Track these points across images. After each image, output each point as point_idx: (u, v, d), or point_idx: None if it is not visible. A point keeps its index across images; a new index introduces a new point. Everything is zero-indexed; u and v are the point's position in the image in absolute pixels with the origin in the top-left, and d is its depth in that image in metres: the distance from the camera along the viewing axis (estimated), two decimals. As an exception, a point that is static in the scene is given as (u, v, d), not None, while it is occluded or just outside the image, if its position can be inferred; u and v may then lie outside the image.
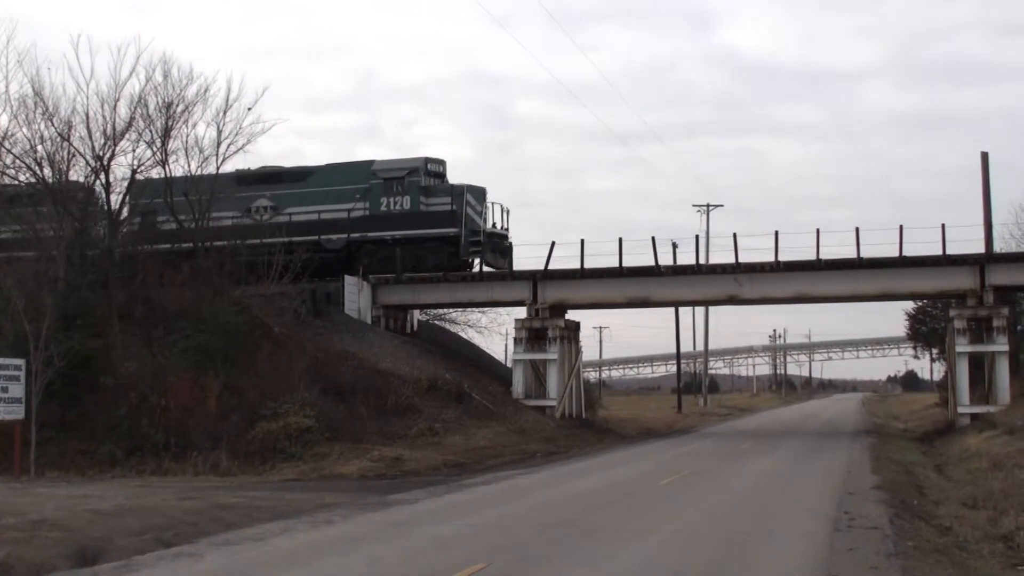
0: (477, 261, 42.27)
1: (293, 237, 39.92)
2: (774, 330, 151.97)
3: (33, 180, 35.30)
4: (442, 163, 42.43)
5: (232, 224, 40.63)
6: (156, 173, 37.80)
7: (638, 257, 41.44)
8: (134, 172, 36.15)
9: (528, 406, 40.20)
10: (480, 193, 41.82)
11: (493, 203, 42.31)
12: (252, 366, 31.24)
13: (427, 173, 41.58)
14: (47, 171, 35.03)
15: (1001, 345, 37.56)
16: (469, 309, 51.71)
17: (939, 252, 38.06)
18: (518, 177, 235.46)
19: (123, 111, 35.18)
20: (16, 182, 36.07)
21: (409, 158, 42.46)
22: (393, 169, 41.73)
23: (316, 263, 39.58)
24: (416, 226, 41.34)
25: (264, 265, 36.81)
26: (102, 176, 35.21)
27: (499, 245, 42.14)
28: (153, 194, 37.92)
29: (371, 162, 42.41)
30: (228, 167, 39.88)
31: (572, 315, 44.37)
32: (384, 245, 41.61)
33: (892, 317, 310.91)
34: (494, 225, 41.92)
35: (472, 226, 40.86)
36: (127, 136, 35.56)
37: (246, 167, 42.80)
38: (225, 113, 38.00)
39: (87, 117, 34.71)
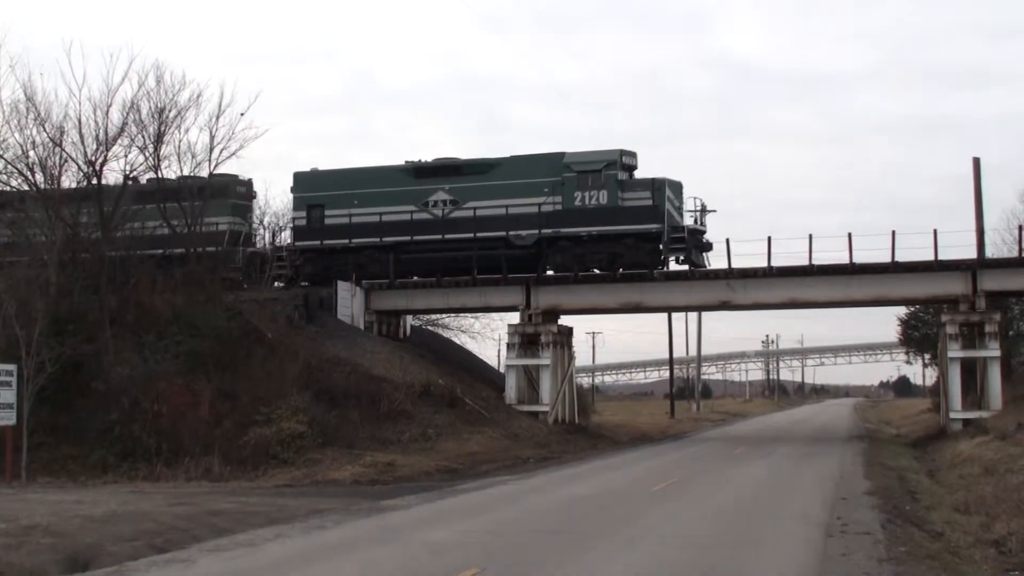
0: (666, 258, 39.93)
1: (477, 233, 39.39)
2: (767, 335, 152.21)
3: (25, 185, 35.25)
4: (635, 155, 40.12)
5: (411, 219, 40.28)
6: (148, 178, 37.74)
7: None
8: (126, 177, 36.12)
9: (521, 411, 40.13)
10: (677, 187, 39.60)
11: (694, 198, 40.16)
12: (245, 371, 31.20)
13: (622, 166, 39.44)
14: (39, 176, 35.01)
15: (993, 351, 37.63)
16: (462, 314, 51.69)
17: (931, 257, 38.09)
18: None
19: (116, 116, 35.25)
20: (8, 187, 36.01)
21: (604, 150, 39.82)
22: (588, 162, 39.34)
23: (502, 260, 39.32)
24: (613, 222, 38.91)
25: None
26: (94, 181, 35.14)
27: (699, 242, 39.77)
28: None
29: (562, 154, 40.07)
30: (221, 171, 39.79)
31: (565, 320, 44.36)
32: (578, 242, 39.44)
33: (884, 322, 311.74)
34: (695, 221, 39.52)
35: (672, 222, 38.71)
36: (119, 141, 35.65)
37: (418, 159, 42.10)
38: (218, 118, 38.04)
39: (79, 122, 34.80)
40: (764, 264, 39.42)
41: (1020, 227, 41.41)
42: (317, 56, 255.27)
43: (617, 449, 38.98)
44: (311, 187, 42.18)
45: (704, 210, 39.60)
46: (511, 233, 39.71)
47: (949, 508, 19.16)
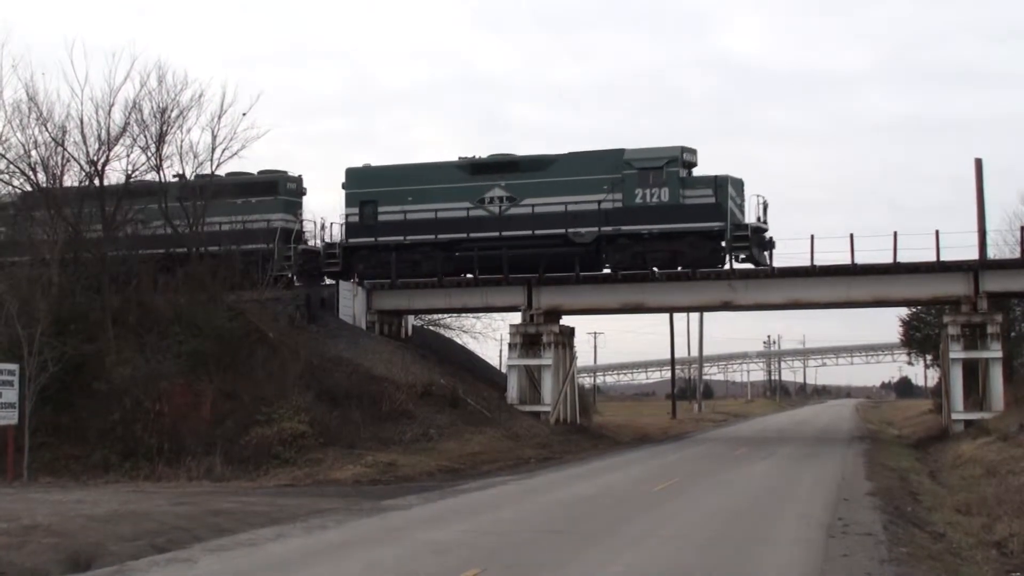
0: (730, 256, 39.23)
1: (535, 230, 39.16)
2: (768, 336, 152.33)
3: (28, 185, 35.28)
4: (695, 152, 39.53)
5: (467, 215, 40.08)
6: (150, 178, 37.76)
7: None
8: (128, 177, 36.14)
9: (522, 412, 40.13)
10: (739, 184, 39.21)
11: (757, 196, 39.63)
12: (246, 371, 31.21)
13: (683, 163, 38.93)
14: (41, 176, 35.02)
15: (995, 352, 37.59)
16: (464, 314, 51.68)
17: (933, 258, 38.05)
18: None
19: (118, 116, 35.25)
20: (10, 187, 36.06)
21: (665, 146, 39.40)
22: (649, 158, 38.85)
23: (560, 258, 39.10)
24: (675, 220, 38.37)
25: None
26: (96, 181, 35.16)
27: (762, 240, 39.08)
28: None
29: (621, 151, 39.49)
30: (222, 171, 39.78)
31: (567, 321, 44.38)
32: (638, 240, 38.98)
33: (886, 323, 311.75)
34: (758, 219, 38.83)
35: (734, 219, 38.18)
36: (121, 141, 35.61)
37: (472, 155, 41.55)
38: (220, 118, 38.04)
39: (81, 122, 34.79)
40: (766, 264, 39.39)
41: (1022, 228, 41.47)
42: (318, 56, 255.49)
43: (618, 449, 38.96)
44: (364, 183, 41.87)
45: (766, 207, 39.13)
46: (570, 230, 39.30)
47: (951, 509, 19.15)
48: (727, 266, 39.28)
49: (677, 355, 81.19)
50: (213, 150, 38.19)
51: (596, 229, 39.12)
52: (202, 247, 37.02)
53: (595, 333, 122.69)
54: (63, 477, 26.02)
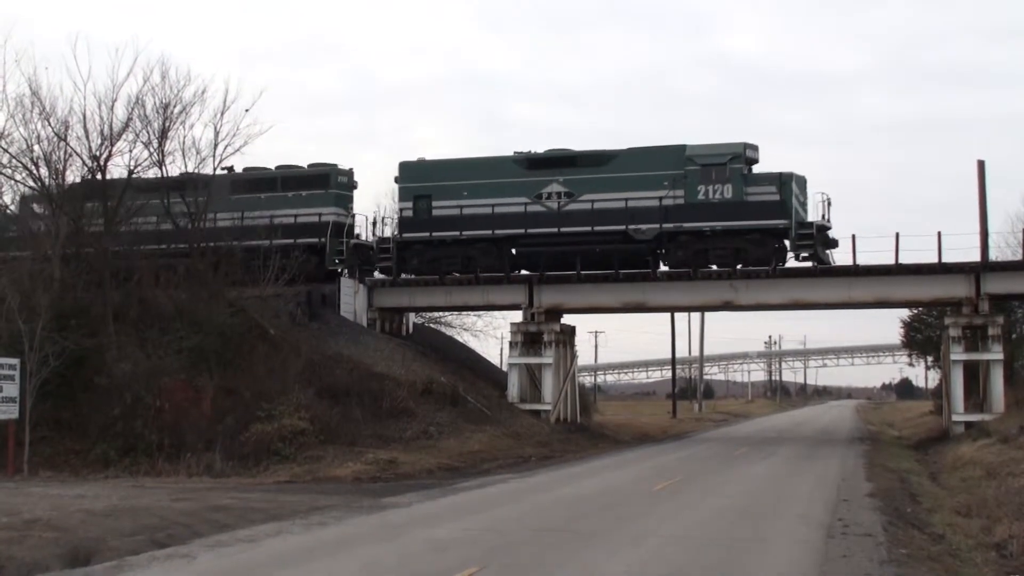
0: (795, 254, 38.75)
1: (595, 226, 38.88)
2: (769, 336, 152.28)
3: (30, 179, 35.29)
4: (757, 148, 38.95)
5: (524, 211, 39.75)
6: (152, 174, 37.78)
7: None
8: (131, 172, 36.14)
9: (523, 410, 40.14)
10: (802, 182, 38.84)
11: (821, 193, 39.48)
12: (247, 368, 31.19)
13: (745, 159, 38.41)
14: (44, 171, 35.01)
15: (996, 354, 37.58)
16: (465, 312, 51.67)
17: (935, 260, 38.06)
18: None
19: (120, 112, 35.20)
20: (13, 181, 36.06)
21: (728, 143, 38.88)
22: (712, 155, 38.39)
23: (620, 254, 38.88)
24: (738, 217, 37.90)
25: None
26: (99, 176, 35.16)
27: (826, 239, 38.48)
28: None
29: (683, 146, 39.07)
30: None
31: (568, 319, 44.40)
32: (700, 237, 38.56)
33: (887, 324, 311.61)
34: (823, 217, 38.31)
35: (798, 217, 37.77)
36: (124, 137, 35.57)
37: (527, 150, 41.17)
38: (222, 114, 38.00)
39: (84, 117, 34.75)
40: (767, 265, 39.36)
41: (1024, 230, 41.41)
42: (321, 53, 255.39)
43: (619, 448, 38.96)
44: (418, 177, 41.52)
45: (829, 204, 38.61)
46: (631, 227, 38.83)
47: (950, 511, 19.15)
48: (788, 263, 38.77)
49: (678, 355, 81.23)
50: (215, 146, 38.19)
51: (657, 226, 38.67)
52: (240, 242, 36.93)
53: (596, 332, 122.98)
54: (63, 472, 26.01)
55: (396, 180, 42.22)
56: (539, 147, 43.57)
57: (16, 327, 26.58)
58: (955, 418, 38.14)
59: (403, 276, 42.10)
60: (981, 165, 44.53)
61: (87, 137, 34.86)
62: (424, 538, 15.04)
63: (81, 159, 35.21)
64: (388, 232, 42.23)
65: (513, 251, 40.78)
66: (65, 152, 34.97)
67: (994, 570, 13.46)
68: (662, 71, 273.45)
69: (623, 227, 38.93)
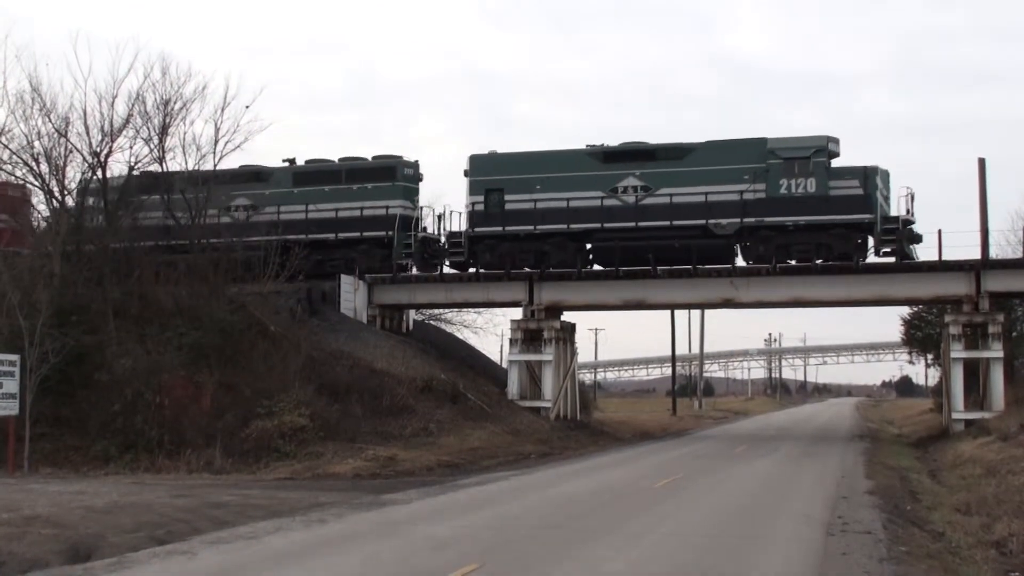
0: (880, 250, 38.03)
1: (673, 220, 38.33)
2: (769, 334, 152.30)
3: (30, 176, 35.28)
4: (838, 142, 38.23)
5: (601, 205, 39.19)
6: (153, 170, 37.78)
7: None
8: (131, 169, 36.16)
9: (523, 407, 40.13)
10: (885, 175, 37.91)
11: (906, 188, 38.68)
12: (247, 364, 31.19)
13: (828, 153, 37.75)
14: (44, 167, 35.00)
15: (996, 351, 37.57)
16: (465, 309, 51.65)
17: (935, 257, 38.03)
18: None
19: (121, 108, 35.21)
20: (13, 177, 36.05)
21: (811, 136, 38.23)
22: (795, 148, 37.68)
23: (699, 249, 38.30)
24: (821, 211, 37.25)
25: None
26: (99, 172, 35.18)
27: (911, 233, 37.85)
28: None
29: (764, 140, 38.32)
30: (224, 165, 39.79)
31: (568, 316, 44.37)
32: (782, 232, 37.87)
33: (887, 322, 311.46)
34: (907, 211, 37.52)
35: (882, 212, 37.06)
36: (124, 133, 35.57)
37: (601, 143, 40.52)
38: (223, 111, 38.02)
39: (84, 113, 34.75)
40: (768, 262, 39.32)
41: (1024, 227, 41.36)
42: (322, 50, 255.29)
43: (619, 446, 38.97)
44: (489, 170, 40.76)
45: (912, 199, 38.04)
46: (711, 221, 38.21)
47: (950, 508, 19.15)
48: (870, 259, 38.30)
49: (678, 352, 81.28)
50: (216, 143, 38.20)
51: (738, 220, 38.05)
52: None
53: (596, 329, 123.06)
54: (63, 468, 26.02)
55: (466, 173, 41.35)
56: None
57: (16, 323, 26.58)
58: (955, 416, 38.14)
59: (478, 271, 41.45)
60: (982, 163, 44.56)
61: (88, 133, 34.90)
62: (424, 535, 15.05)
63: (82, 155, 35.24)
64: (456, 226, 41.53)
65: (588, 246, 40.26)
66: (66, 148, 34.99)
67: (994, 568, 13.46)
68: (666, 69, 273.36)
69: (703, 221, 38.28)
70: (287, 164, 42.20)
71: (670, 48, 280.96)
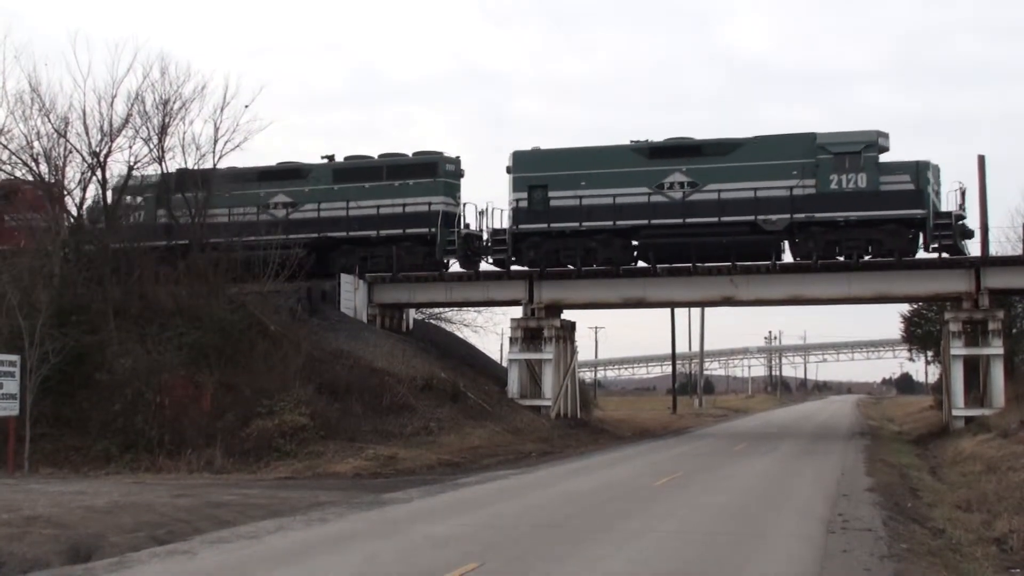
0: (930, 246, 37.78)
1: (722, 217, 38.03)
2: (769, 331, 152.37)
3: (30, 176, 35.27)
4: (888, 136, 37.96)
5: (648, 201, 38.89)
6: (152, 170, 37.80)
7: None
8: (130, 169, 36.15)
9: (523, 406, 40.13)
10: (937, 171, 37.61)
11: (958, 183, 37.98)
12: (247, 364, 31.19)
13: (879, 148, 37.48)
14: (43, 167, 35.00)
15: (996, 348, 37.58)
16: (465, 308, 51.65)
17: (935, 254, 38.03)
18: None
19: (120, 108, 35.17)
20: (12, 178, 36.05)
21: (861, 131, 37.88)
22: (846, 143, 37.39)
23: (748, 246, 38.13)
24: (872, 207, 36.89)
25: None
26: (99, 172, 35.18)
27: (963, 228, 37.47)
28: None
29: (813, 135, 38.12)
30: (224, 164, 39.77)
31: (568, 315, 44.37)
32: (832, 228, 37.61)
33: (887, 319, 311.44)
34: (959, 206, 37.05)
35: (934, 207, 36.72)
36: (124, 133, 35.54)
37: (644, 139, 40.11)
38: (222, 110, 37.92)
39: (84, 113, 34.72)
40: (767, 260, 39.34)
41: (1024, 224, 41.34)
42: (322, 49, 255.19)
43: (619, 444, 38.97)
44: (532, 167, 40.52)
45: (963, 194, 37.57)
46: (760, 217, 37.93)
47: (951, 505, 19.16)
48: (920, 255, 38.14)
49: (678, 350, 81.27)
50: (215, 142, 38.15)
51: (788, 216, 37.77)
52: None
53: (596, 328, 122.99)
54: (64, 468, 26.03)
55: (508, 170, 41.03)
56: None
57: (16, 323, 26.58)
58: (955, 413, 38.14)
59: (518, 268, 41.21)
60: (981, 160, 44.54)
61: (87, 133, 34.87)
62: (424, 534, 15.05)
63: (81, 155, 35.22)
64: (497, 223, 41.22)
65: (634, 243, 39.92)
66: (65, 148, 34.99)
67: (994, 564, 13.46)
68: (667, 67, 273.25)
69: (752, 217, 38.02)
70: (326, 161, 42.15)
71: (669, 46, 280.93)
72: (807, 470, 26.86)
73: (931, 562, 13.33)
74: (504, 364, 47.88)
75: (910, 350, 75.57)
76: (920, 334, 62.66)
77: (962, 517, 17.44)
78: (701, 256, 39.01)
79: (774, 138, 38.97)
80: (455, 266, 41.97)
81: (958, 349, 38.10)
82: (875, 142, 37.47)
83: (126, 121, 35.29)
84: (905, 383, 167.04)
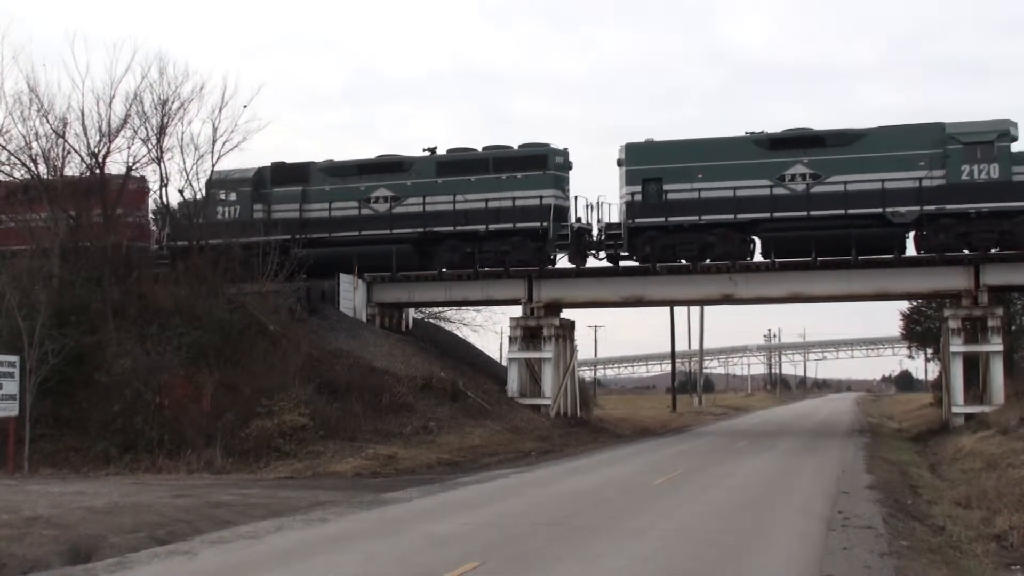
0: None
1: (848, 209, 37.13)
2: (769, 329, 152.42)
3: (28, 177, 35.26)
4: (1017, 126, 36.87)
5: (770, 193, 37.88)
6: (151, 170, 37.81)
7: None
8: (129, 169, 36.14)
9: (523, 405, 40.14)
10: None
11: None
12: (247, 364, 31.19)
13: (1011, 138, 36.57)
14: (42, 168, 34.99)
15: (995, 345, 37.59)
16: (464, 307, 51.64)
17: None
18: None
19: (118, 108, 35.21)
20: (11, 178, 36.04)
21: (992, 120, 37.23)
22: (977, 132, 36.59)
23: (875, 239, 37.29)
24: (1006, 198, 36.02)
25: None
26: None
27: None
28: None
29: (942, 124, 37.15)
30: (223, 165, 39.76)
31: (567, 314, 44.36)
32: (963, 219, 36.56)
33: (887, 317, 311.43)
34: None
35: None
36: (122, 133, 35.54)
37: (761, 130, 39.28)
38: (221, 110, 38.12)
39: (82, 114, 34.76)
40: (766, 258, 39.34)
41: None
42: (320, 49, 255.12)
43: (619, 443, 38.98)
44: (645, 160, 39.48)
45: None
46: (888, 209, 36.98)
47: (950, 502, 19.17)
48: None
49: (678, 348, 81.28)
50: (214, 142, 38.19)
51: (917, 208, 36.82)
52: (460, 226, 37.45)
53: (595, 326, 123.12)
54: (63, 469, 26.02)
55: (619, 163, 40.28)
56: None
57: (16, 324, 26.56)
58: (955, 410, 38.16)
59: (631, 264, 40.60)
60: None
61: (85, 134, 34.90)
62: (424, 533, 15.04)
63: (79, 156, 35.24)
64: (607, 216, 40.47)
65: (755, 237, 39.21)
66: (63, 149, 35.01)
67: (994, 561, 13.47)
68: (665, 64, 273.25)
69: (879, 210, 37.07)
70: (428, 153, 41.62)
71: (670, 42, 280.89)
72: (807, 468, 26.87)
73: (931, 559, 13.33)
74: (503, 363, 47.89)
75: (909, 347, 75.64)
76: (919, 331, 62.71)
77: (962, 514, 17.45)
78: (822, 250, 38.22)
79: (900, 128, 38.15)
80: (563, 261, 41.08)
81: (957, 346, 38.11)
82: (1007, 131, 36.69)
83: (124, 121, 35.34)
84: (905, 380, 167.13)
